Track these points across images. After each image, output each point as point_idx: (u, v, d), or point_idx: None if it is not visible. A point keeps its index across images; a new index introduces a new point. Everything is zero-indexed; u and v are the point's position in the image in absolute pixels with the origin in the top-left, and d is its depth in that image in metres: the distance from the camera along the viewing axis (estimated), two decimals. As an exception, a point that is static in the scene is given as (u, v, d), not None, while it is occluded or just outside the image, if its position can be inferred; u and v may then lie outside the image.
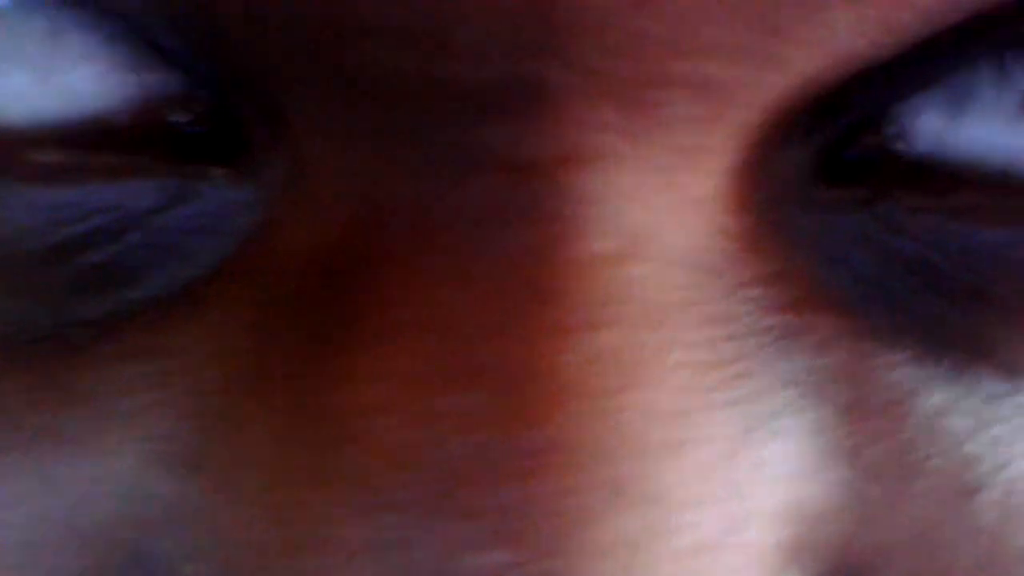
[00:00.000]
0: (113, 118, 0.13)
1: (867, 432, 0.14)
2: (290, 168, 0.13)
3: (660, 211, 0.12)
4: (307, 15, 0.11)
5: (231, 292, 0.13)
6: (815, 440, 0.13)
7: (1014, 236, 0.14)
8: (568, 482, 0.11)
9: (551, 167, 0.12)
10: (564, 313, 0.12)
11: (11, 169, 0.13)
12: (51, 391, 0.14)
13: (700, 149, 0.12)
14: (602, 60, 0.11)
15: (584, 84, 0.11)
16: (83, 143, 0.13)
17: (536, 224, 0.12)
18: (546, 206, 0.12)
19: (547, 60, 0.11)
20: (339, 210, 0.13)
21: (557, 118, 0.12)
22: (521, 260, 0.12)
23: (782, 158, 0.13)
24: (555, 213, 0.12)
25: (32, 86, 0.13)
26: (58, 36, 0.13)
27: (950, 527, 0.14)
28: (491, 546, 0.11)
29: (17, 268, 0.14)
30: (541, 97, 0.11)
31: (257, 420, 0.13)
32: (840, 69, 0.12)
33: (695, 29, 0.11)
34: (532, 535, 0.11)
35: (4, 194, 0.13)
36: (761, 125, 0.12)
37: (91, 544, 0.13)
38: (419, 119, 0.12)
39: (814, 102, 0.13)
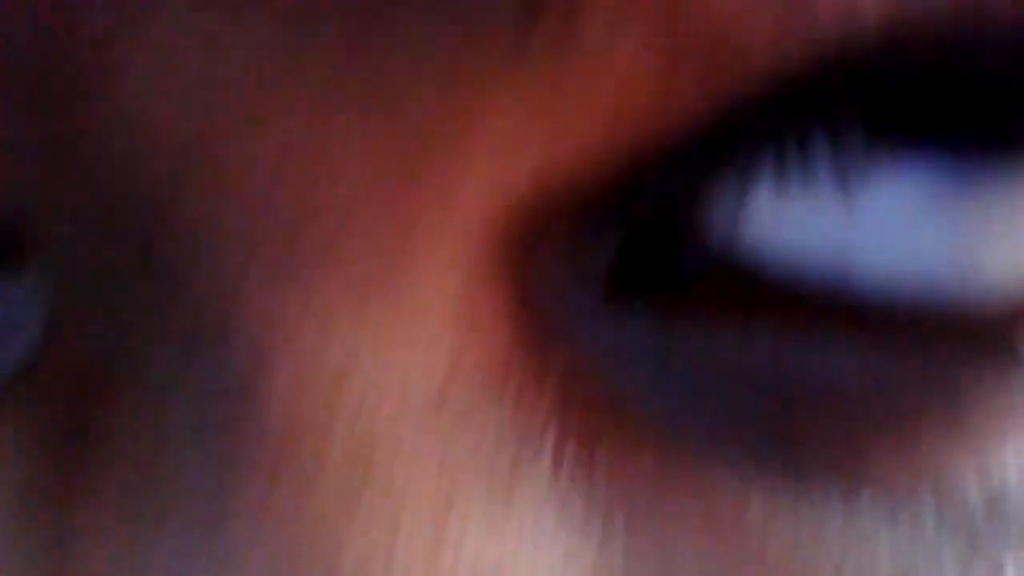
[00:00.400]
0: None
1: (676, 549, 0.13)
2: (56, 290, 0.13)
3: (374, 349, 0.12)
4: None
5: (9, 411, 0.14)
6: (618, 563, 0.13)
7: (815, 357, 0.13)
8: None
9: (221, 305, 0.12)
10: (253, 450, 0.12)
11: None
12: None
13: (394, 283, 0.12)
14: (218, 200, 0.12)
15: (200, 244, 0.12)
16: None
17: (219, 366, 0.12)
18: (226, 350, 0.12)
19: (166, 200, 0.12)
20: (89, 343, 0.13)
21: (189, 275, 0.12)
22: (210, 399, 0.12)
23: (554, 268, 0.13)
24: (236, 356, 0.12)
25: None
26: None
27: None
28: None
29: None
30: (176, 229, 0.12)
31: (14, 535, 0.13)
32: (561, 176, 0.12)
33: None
34: None
35: None
36: (486, 240, 0.12)
37: None
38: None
39: (568, 206, 0.12)
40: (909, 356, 0.13)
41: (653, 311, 0.13)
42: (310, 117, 0.11)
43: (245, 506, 0.12)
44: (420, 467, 0.12)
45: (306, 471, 0.12)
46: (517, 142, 0.11)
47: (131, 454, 0.12)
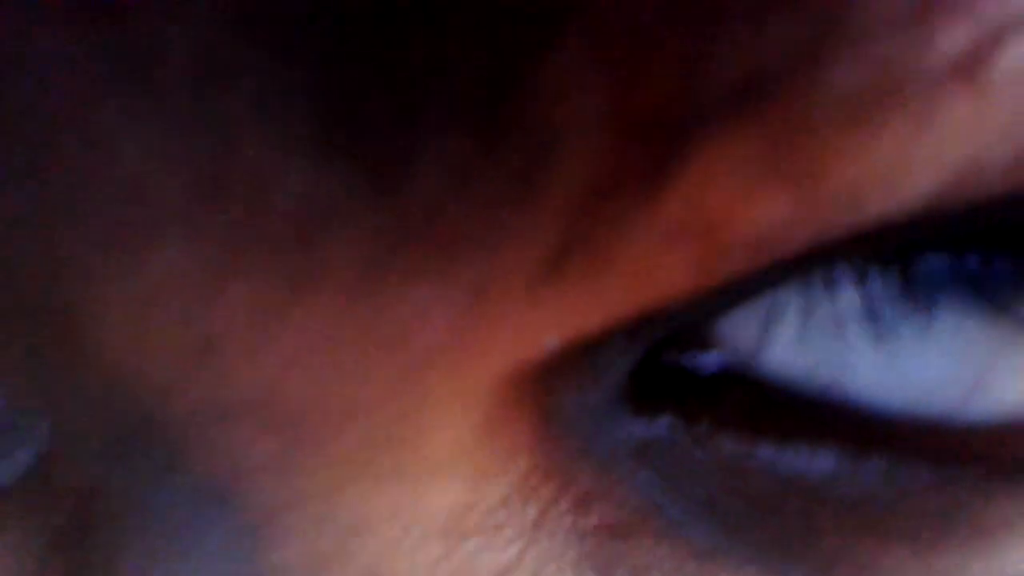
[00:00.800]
0: None
1: None
2: None
3: (393, 489, 0.12)
4: None
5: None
6: None
7: (839, 468, 0.13)
8: None
9: (222, 483, 0.12)
10: None
11: None
12: None
13: (402, 438, 0.12)
14: (215, 408, 0.11)
15: (207, 424, 0.11)
16: None
17: (228, 535, 0.12)
18: (233, 518, 0.12)
19: (156, 408, 0.11)
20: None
21: (194, 449, 0.12)
22: (220, 570, 0.12)
23: (570, 386, 0.13)
24: (244, 524, 0.12)
25: None
26: None
27: None
28: None
29: None
30: (167, 434, 0.11)
31: None
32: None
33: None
34: None
35: None
36: (499, 387, 0.12)
37: None
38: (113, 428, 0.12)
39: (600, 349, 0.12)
40: (921, 471, 0.13)
41: (676, 418, 0.13)
42: (316, 339, 0.11)
43: None
44: None
45: None
46: (535, 331, 0.11)
47: None
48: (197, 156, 0.10)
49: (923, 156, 0.10)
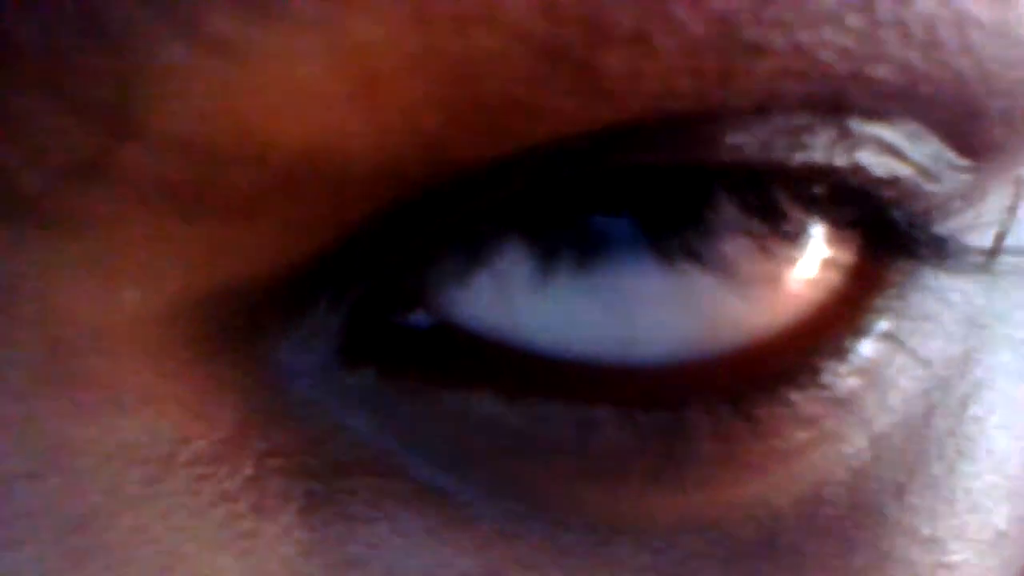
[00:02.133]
0: None
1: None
2: None
3: (81, 421, 0.13)
4: None
5: None
6: None
7: (534, 413, 0.14)
8: None
9: None
10: None
11: None
12: None
13: (81, 365, 0.12)
14: None
15: None
16: None
17: None
18: None
19: None
20: None
21: None
22: None
23: (285, 334, 0.13)
24: None
25: None
26: None
27: None
28: None
29: None
30: None
31: None
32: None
33: None
34: None
35: None
36: (182, 321, 0.13)
37: None
38: None
39: (291, 279, 0.13)
40: (600, 413, 0.13)
41: (386, 369, 0.14)
42: None
43: None
44: (142, 534, 0.13)
45: (21, 541, 0.12)
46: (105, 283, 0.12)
47: None
48: None
49: None
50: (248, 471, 0.13)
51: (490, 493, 0.14)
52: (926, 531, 0.15)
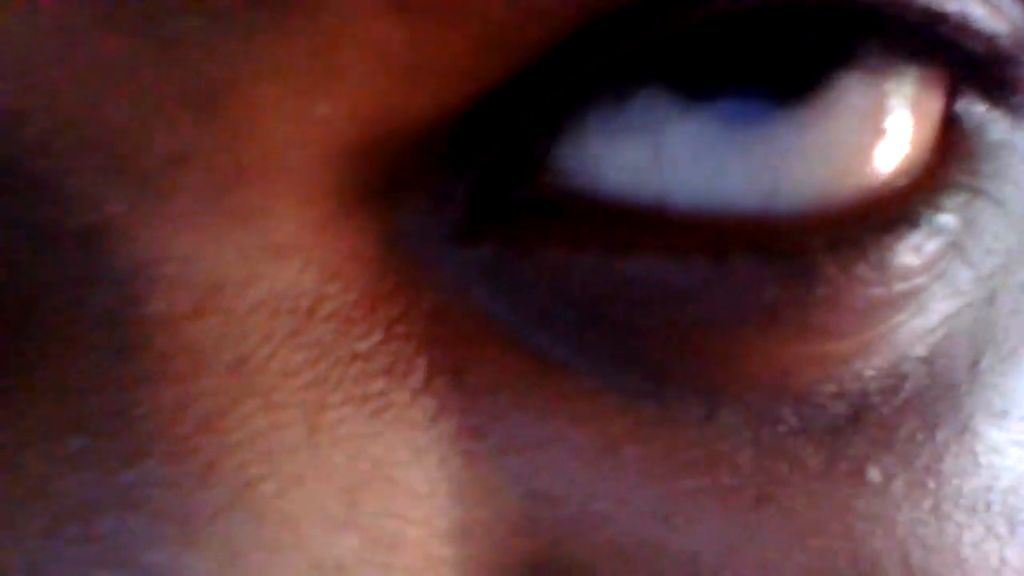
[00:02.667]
0: None
1: (542, 462, 0.14)
2: None
3: (240, 265, 0.13)
4: None
5: None
6: (490, 467, 0.14)
7: (657, 266, 0.14)
8: (167, 513, 0.13)
9: (96, 236, 0.13)
10: (138, 368, 0.13)
11: None
12: None
13: (246, 207, 0.13)
14: (57, 140, 0.12)
15: (55, 163, 0.12)
16: None
17: (105, 287, 0.13)
18: (109, 271, 0.13)
19: (8, 144, 0.12)
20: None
21: (60, 195, 0.13)
22: (102, 320, 0.13)
23: (416, 199, 0.14)
24: (117, 277, 0.13)
25: None
26: None
27: (647, 546, 0.14)
28: (97, 571, 0.12)
29: None
30: (32, 175, 0.12)
31: None
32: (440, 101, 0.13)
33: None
34: (133, 564, 0.12)
35: None
36: (340, 173, 0.13)
37: None
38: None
39: (415, 143, 0.13)
40: (738, 263, 0.14)
41: (507, 240, 0.14)
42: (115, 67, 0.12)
43: (137, 411, 0.13)
44: (294, 373, 0.13)
45: (187, 379, 0.13)
46: (304, 92, 0.12)
47: (58, 371, 0.13)
48: None
49: None
50: (378, 335, 0.14)
51: (609, 365, 0.14)
52: (999, 406, 0.16)
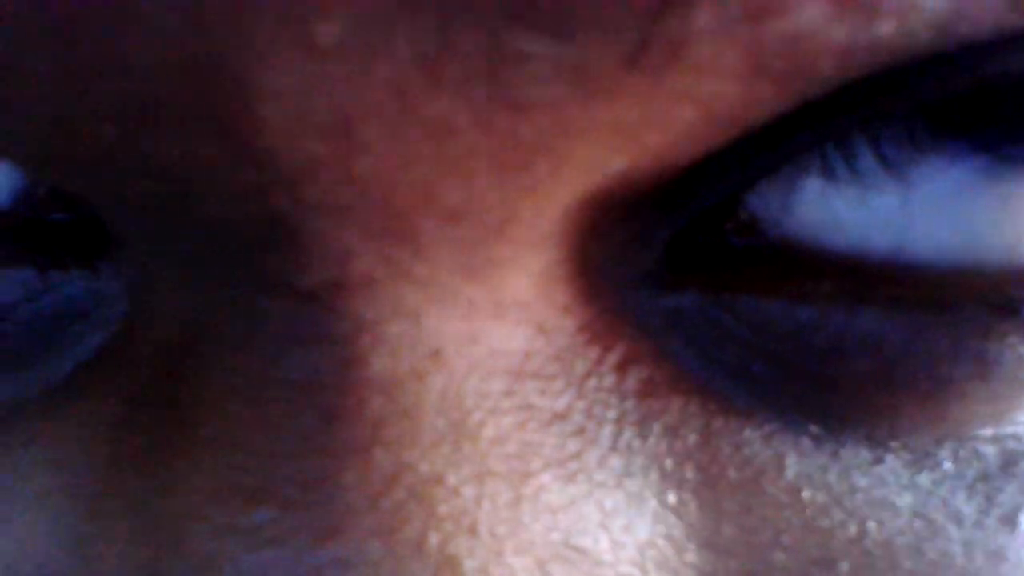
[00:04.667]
0: None
1: (722, 511, 0.14)
2: (141, 270, 0.14)
3: (464, 322, 0.13)
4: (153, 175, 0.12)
5: (104, 382, 0.14)
6: (672, 521, 0.14)
7: (857, 318, 0.14)
8: None
9: (325, 294, 0.12)
10: (349, 434, 0.12)
11: None
12: None
13: (489, 262, 0.13)
14: (336, 198, 0.12)
15: (324, 219, 0.12)
16: None
17: (319, 348, 0.12)
18: (328, 331, 0.12)
19: (282, 199, 0.12)
20: (177, 319, 0.14)
21: (311, 250, 0.12)
22: (308, 384, 0.12)
23: (618, 249, 0.14)
24: (337, 337, 0.12)
25: None
26: None
27: None
28: None
29: None
30: (292, 232, 0.12)
31: (114, 514, 0.14)
32: (661, 160, 0.12)
33: (424, 177, 0.12)
34: None
35: None
36: (570, 224, 0.13)
37: None
38: (222, 248, 0.13)
39: (641, 195, 0.13)
40: (945, 321, 0.14)
41: (706, 289, 0.14)
42: (437, 130, 0.12)
43: (344, 481, 0.12)
44: (503, 439, 0.13)
45: (401, 446, 0.13)
46: (613, 146, 0.12)
47: (230, 437, 0.13)
48: None
49: None
50: (572, 393, 0.14)
51: (793, 412, 0.15)
52: None
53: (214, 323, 0.13)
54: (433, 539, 0.12)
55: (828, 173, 0.14)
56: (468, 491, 0.13)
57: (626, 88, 0.11)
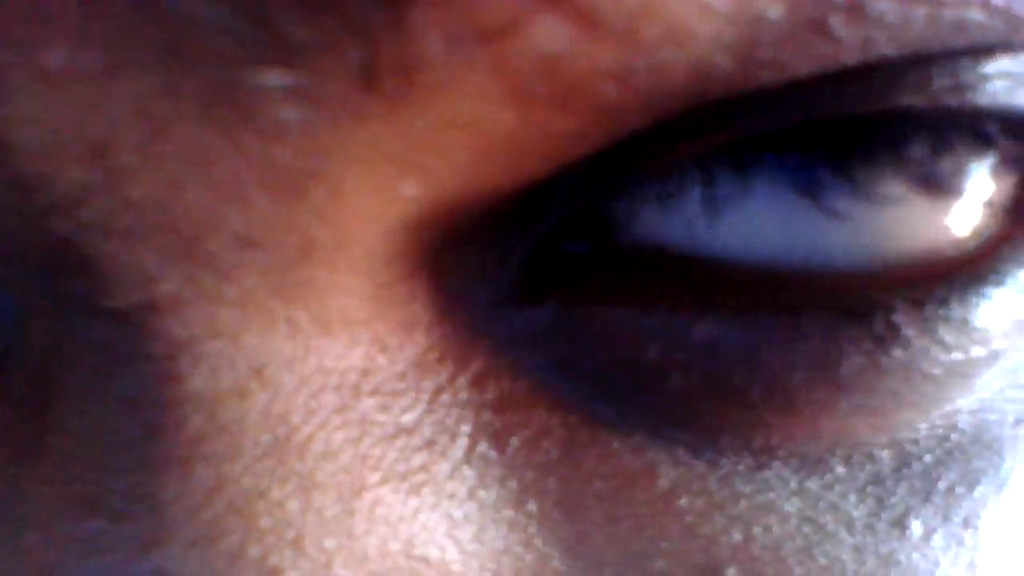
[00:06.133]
0: None
1: (589, 520, 0.14)
2: None
3: (288, 341, 0.13)
4: None
5: None
6: (533, 531, 0.14)
7: (729, 328, 0.14)
8: None
9: (138, 315, 0.12)
10: (171, 449, 0.13)
11: None
12: None
13: (305, 284, 0.13)
14: (117, 221, 0.12)
15: (114, 243, 0.12)
16: None
17: (139, 367, 0.13)
18: (146, 350, 0.12)
19: (63, 224, 0.12)
20: (37, 341, 0.14)
21: (110, 274, 0.12)
22: (133, 400, 0.13)
23: (472, 268, 0.14)
24: (155, 356, 0.12)
25: None
26: None
27: None
28: None
29: None
30: (86, 255, 0.12)
31: None
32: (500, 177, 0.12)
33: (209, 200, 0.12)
34: None
35: None
36: (404, 246, 0.13)
37: None
38: (30, 274, 0.13)
39: (477, 216, 0.13)
40: (790, 327, 0.14)
41: (564, 302, 0.14)
42: (194, 154, 0.11)
43: (165, 494, 0.13)
44: (333, 454, 0.13)
45: (221, 461, 0.13)
46: (392, 172, 0.12)
47: (71, 450, 0.13)
48: None
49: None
50: (422, 407, 0.14)
51: (663, 425, 0.14)
52: None
53: (58, 343, 0.13)
54: (253, 551, 0.12)
55: (675, 183, 0.14)
56: (293, 504, 0.13)
57: (372, 112, 0.11)
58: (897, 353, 0.14)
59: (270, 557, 0.13)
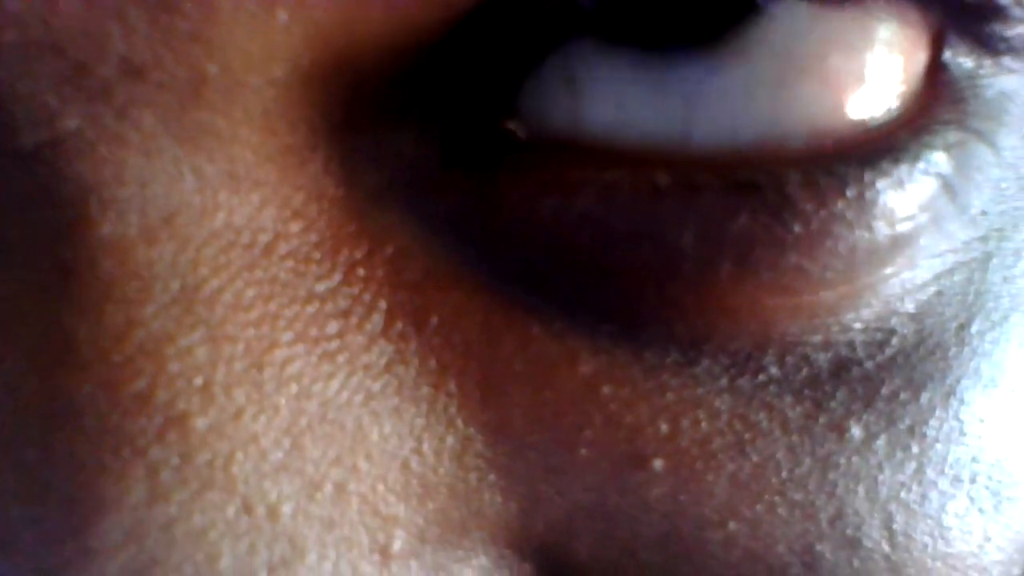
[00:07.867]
0: None
1: (510, 402, 0.14)
2: None
3: (197, 194, 0.13)
4: None
5: None
6: (453, 410, 0.14)
7: (649, 212, 0.14)
8: (92, 441, 0.12)
9: (46, 154, 0.12)
10: (83, 290, 0.13)
11: None
12: None
13: (203, 131, 0.13)
14: (8, 49, 0.12)
15: (9, 72, 0.12)
16: None
17: (50, 207, 0.12)
18: (56, 191, 0.12)
19: None
20: None
21: (13, 109, 0.12)
22: (46, 239, 0.13)
23: (386, 145, 0.13)
24: (64, 198, 0.12)
25: None
26: None
27: (625, 499, 0.14)
28: (23, 499, 0.12)
29: None
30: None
31: None
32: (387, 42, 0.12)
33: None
34: (54, 492, 0.12)
35: None
36: (306, 109, 0.13)
37: None
38: None
39: (384, 87, 0.13)
40: (688, 203, 0.14)
41: (480, 184, 0.14)
42: None
43: (79, 334, 0.13)
44: (244, 308, 0.13)
45: (131, 304, 0.13)
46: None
47: None
48: None
49: None
50: (337, 277, 0.13)
51: (582, 311, 0.14)
52: (987, 374, 0.15)
53: None
54: (162, 395, 0.12)
55: (584, 66, 0.14)
56: (201, 352, 0.13)
57: None
58: (797, 228, 0.14)
59: (178, 401, 0.12)
